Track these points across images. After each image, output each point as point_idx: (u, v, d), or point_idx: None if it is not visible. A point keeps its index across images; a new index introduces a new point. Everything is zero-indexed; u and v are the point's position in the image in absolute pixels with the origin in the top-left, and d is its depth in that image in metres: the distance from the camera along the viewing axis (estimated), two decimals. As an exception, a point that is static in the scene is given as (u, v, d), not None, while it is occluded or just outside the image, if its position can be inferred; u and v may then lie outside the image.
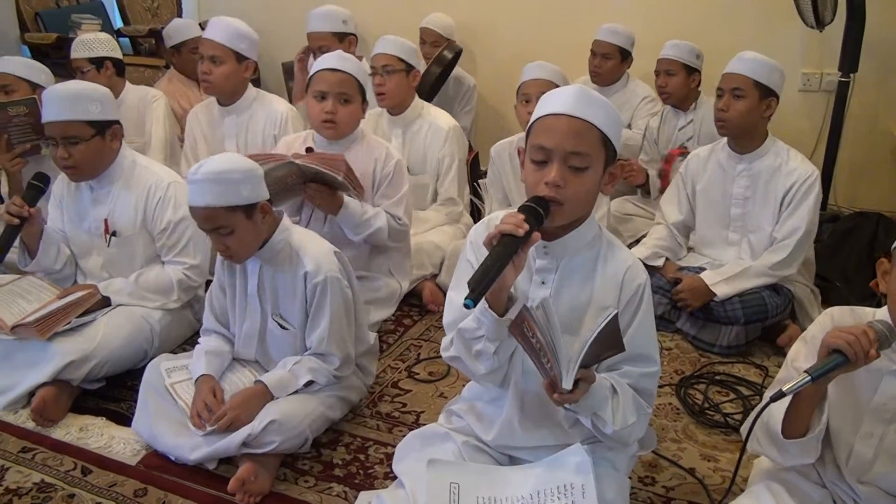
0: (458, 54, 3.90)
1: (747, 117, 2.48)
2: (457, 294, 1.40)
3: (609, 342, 1.31)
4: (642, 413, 1.48)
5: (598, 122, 1.39)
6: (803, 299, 2.58)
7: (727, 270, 2.53)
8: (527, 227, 1.31)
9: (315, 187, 2.35)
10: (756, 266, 2.50)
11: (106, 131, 2.22)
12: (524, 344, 1.35)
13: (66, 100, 2.14)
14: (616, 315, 1.28)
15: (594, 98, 1.41)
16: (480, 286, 1.27)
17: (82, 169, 2.22)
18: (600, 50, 3.62)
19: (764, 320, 2.48)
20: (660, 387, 1.57)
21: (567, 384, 1.30)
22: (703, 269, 2.61)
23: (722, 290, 2.47)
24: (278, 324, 1.97)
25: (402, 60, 2.95)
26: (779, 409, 1.37)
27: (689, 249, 2.80)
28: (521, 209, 1.35)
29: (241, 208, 1.80)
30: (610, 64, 3.62)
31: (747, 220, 2.59)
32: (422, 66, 3.59)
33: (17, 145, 2.62)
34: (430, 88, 3.76)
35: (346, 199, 2.43)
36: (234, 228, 1.80)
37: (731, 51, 3.38)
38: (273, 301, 1.97)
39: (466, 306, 1.27)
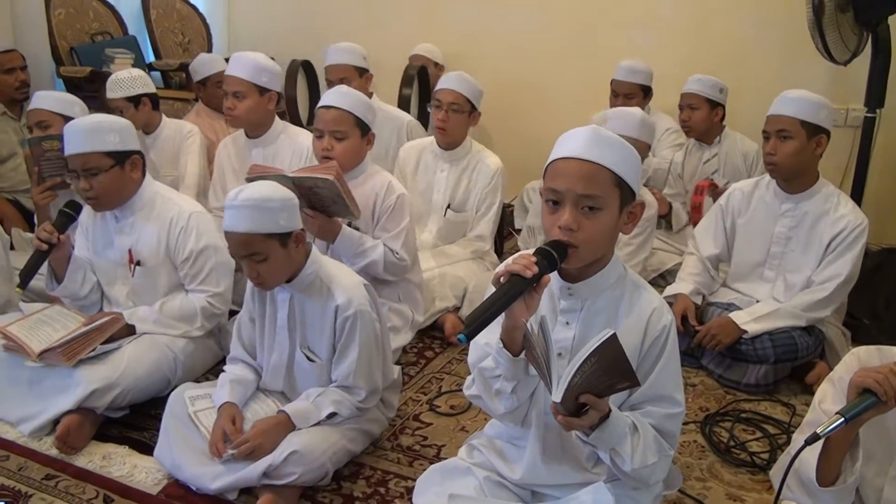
0: (422, 69, 4.04)
1: (796, 158, 2.40)
2: (481, 333, 1.40)
3: (616, 368, 1.29)
4: (664, 454, 1.46)
5: (610, 164, 1.39)
6: (834, 340, 2.54)
7: (758, 310, 2.49)
8: (536, 269, 1.31)
9: (312, 213, 2.37)
10: (789, 307, 2.46)
11: (125, 161, 2.24)
12: (536, 367, 1.35)
13: (84, 132, 2.19)
14: (614, 335, 1.25)
15: (606, 139, 1.41)
16: (477, 322, 1.28)
17: (103, 199, 2.25)
18: (622, 90, 3.66)
19: (794, 360, 2.44)
20: (684, 424, 1.55)
21: (556, 396, 1.28)
22: (732, 304, 2.58)
23: (752, 328, 2.44)
24: (306, 356, 1.97)
25: (469, 101, 2.98)
26: (811, 455, 1.35)
27: (721, 284, 2.76)
28: (536, 251, 1.36)
29: (276, 236, 1.81)
30: (633, 103, 3.65)
31: (786, 259, 2.54)
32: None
33: (47, 179, 2.66)
34: (419, 111, 3.83)
35: (344, 227, 2.45)
36: (268, 256, 1.82)
37: (756, 85, 3.40)
38: (302, 333, 1.98)
39: (459, 340, 1.28)
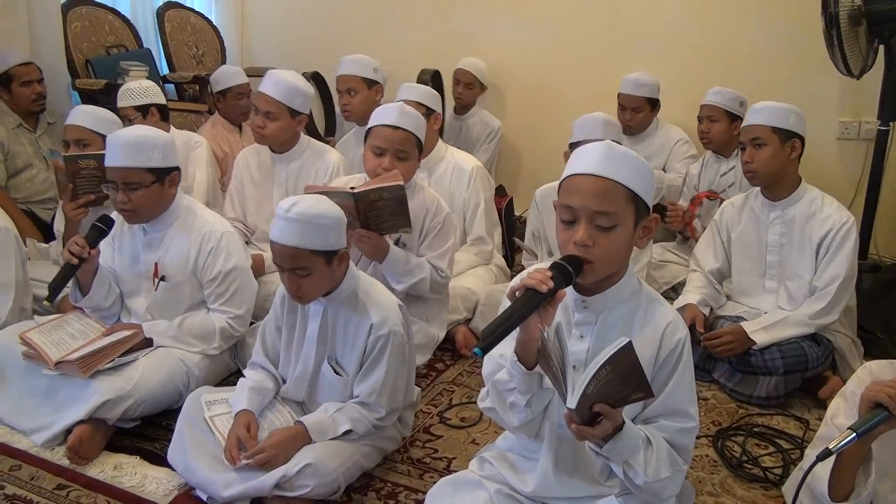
0: (435, 75, 4.07)
1: (773, 164, 2.48)
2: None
3: (630, 377, 1.29)
4: (677, 469, 1.46)
5: (624, 180, 1.39)
6: (844, 350, 2.52)
7: (766, 319, 2.49)
8: (551, 284, 1.32)
9: (362, 232, 2.37)
10: (796, 315, 2.47)
11: (165, 178, 2.26)
12: (550, 376, 1.36)
13: (128, 146, 2.19)
14: (629, 343, 1.26)
15: (620, 155, 1.41)
16: (492, 336, 1.29)
17: (139, 213, 2.27)
18: (629, 104, 3.67)
19: (804, 371, 2.43)
20: (696, 438, 1.54)
21: (571, 402, 1.28)
22: (740, 317, 2.57)
23: (761, 338, 2.43)
24: (333, 369, 1.97)
25: (422, 105, 2.99)
26: (823, 470, 1.34)
27: (727, 297, 2.76)
28: (552, 266, 1.36)
29: (323, 253, 1.82)
30: (640, 116, 3.67)
31: (784, 267, 2.56)
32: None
33: (81, 196, 2.67)
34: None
35: (392, 247, 2.45)
36: (312, 271, 1.83)
37: (765, 98, 3.38)
38: (332, 346, 1.98)
39: (475, 354, 1.29)
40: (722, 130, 3.36)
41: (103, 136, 2.73)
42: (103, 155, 2.55)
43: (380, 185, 2.27)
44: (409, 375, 2.07)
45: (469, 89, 4.31)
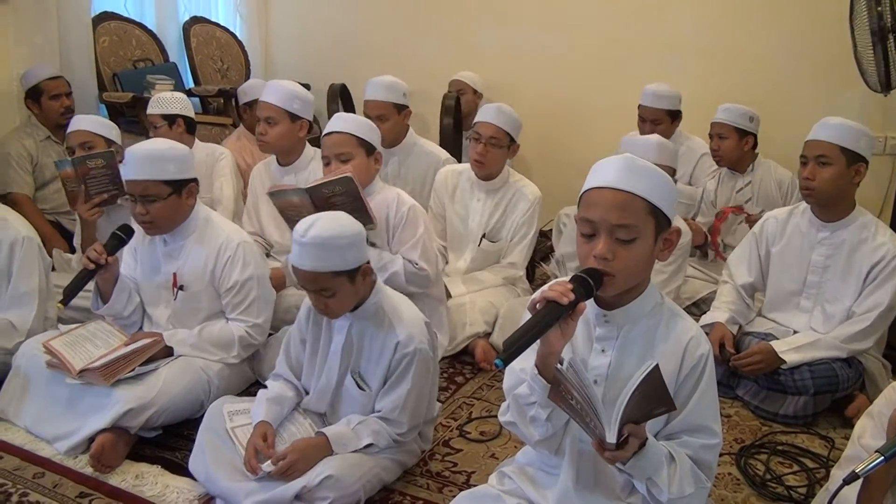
0: (458, 97, 4.10)
1: (834, 185, 2.37)
2: (516, 359, 1.40)
3: (655, 396, 1.28)
4: (701, 486, 1.44)
5: (643, 192, 1.39)
6: (874, 372, 2.48)
7: (797, 340, 2.44)
8: (572, 296, 1.31)
9: None
10: (829, 338, 2.42)
11: (182, 190, 2.29)
12: (566, 408, 1.35)
13: (145, 160, 2.23)
14: (657, 366, 1.25)
15: (639, 168, 1.41)
16: (513, 348, 1.28)
17: (158, 224, 2.30)
18: (649, 116, 3.64)
19: (834, 392, 2.39)
20: (719, 455, 1.52)
21: (611, 438, 1.28)
22: (769, 334, 2.53)
23: (791, 358, 2.39)
24: (356, 383, 1.97)
25: (508, 135, 2.99)
26: (851, 493, 1.31)
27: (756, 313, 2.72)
28: (572, 279, 1.36)
29: (345, 273, 1.83)
30: (661, 128, 3.65)
31: (823, 289, 2.50)
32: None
33: (94, 196, 2.75)
34: (453, 141, 3.85)
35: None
36: (337, 291, 1.84)
37: (789, 112, 3.37)
38: (356, 361, 1.98)
39: (496, 366, 1.29)
40: (732, 147, 3.33)
41: (105, 138, 2.85)
42: (110, 153, 2.65)
43: (329, 178, 2.29)
44: (432, 392, 2.07)
45: (462, 95, 4.30)
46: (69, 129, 2.92)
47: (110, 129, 2.93)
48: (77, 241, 2.92)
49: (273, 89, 2.99)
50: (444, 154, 3.59)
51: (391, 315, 1.95)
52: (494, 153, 2.98)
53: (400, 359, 1.91)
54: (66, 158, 2.80)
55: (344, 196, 2.31)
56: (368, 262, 1.91)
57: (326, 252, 1.80)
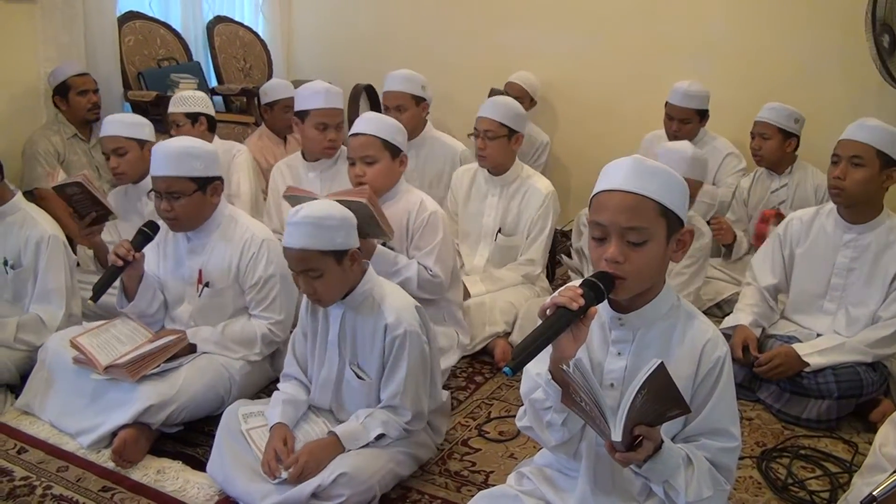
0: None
1: (865, 187, 2.33)
2: (532, 364, 1.40)
3: (666, 396, 1.27)
4: (720, 489, 1.42)
5: (654, 194, 1.37)
6: (898, 376, 2.44)
7: (821, 343, 2.41)
8: (582, 301, 1.30)
9: None
10: (853, 342, 2.38)
11: (207, 187, 2.31)
12: (577, 410, 1.35)
13: (171, 156, 2.26)
14: (661, 364, 1.24)
15: (649, 169, 1.39)
16: (523, 355, 1.28)
17: (182, 221, 2.32)
18: (677, 115, 3.61)
19: (858, 396, 2.35)
20: (740, 458, 1.50)
21: (616, 435, 1.27)
22: (792, 337, 2.50)
23: (815, 361, 2.36)
24: (356, 373, 1.99)
25: (504, 126, 2.98)
26: None
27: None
28: (583, 283, 1.35)
29: (332, 253, 1.85)
30: (689, 127, 3.61)
31: (847, 291, 2.46)
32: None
33: (85, 216, 2.71)
34: None
35: (380, 247, 2.49)
36: (324, 272, 1.86)
37: (816, 114, 3.31)
38: (352, 350, 2.00)
39: (505, 373, 1.28)
40: (774, 148, 3.28)
41: (136, 140, 2.84)
42: (78, 182, 2.59)
43: (346, 198, 2.29)
44: (434, 377, 2.07)
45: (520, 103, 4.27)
46: (102, 132, 2.92)
47: (142, 128, 2.91)
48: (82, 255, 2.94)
49: (336, 97, 3.05)
50: (460, 146, 3.60)
51: (380, 300, 1.97)
52: (493, 145, 2.98)
53: (391, 342, 1.93)
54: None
55: (358, 213, 2.33)
56: (358, 249, 1.93)
57: (315, 230, 1.83)
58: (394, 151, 2.57)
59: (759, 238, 3.09)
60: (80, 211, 2.70)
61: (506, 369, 1.27)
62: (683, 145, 2.87)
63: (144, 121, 2.96)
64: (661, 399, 1.27)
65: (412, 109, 3.41)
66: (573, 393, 1.30)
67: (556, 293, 1.36)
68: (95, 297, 2.25)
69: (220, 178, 2.36)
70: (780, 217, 3.06)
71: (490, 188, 3.10)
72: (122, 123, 2.89)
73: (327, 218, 1.85)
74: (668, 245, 1.41)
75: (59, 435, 2.21)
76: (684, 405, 1.29)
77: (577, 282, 1.37)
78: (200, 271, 2.38)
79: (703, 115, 3.62)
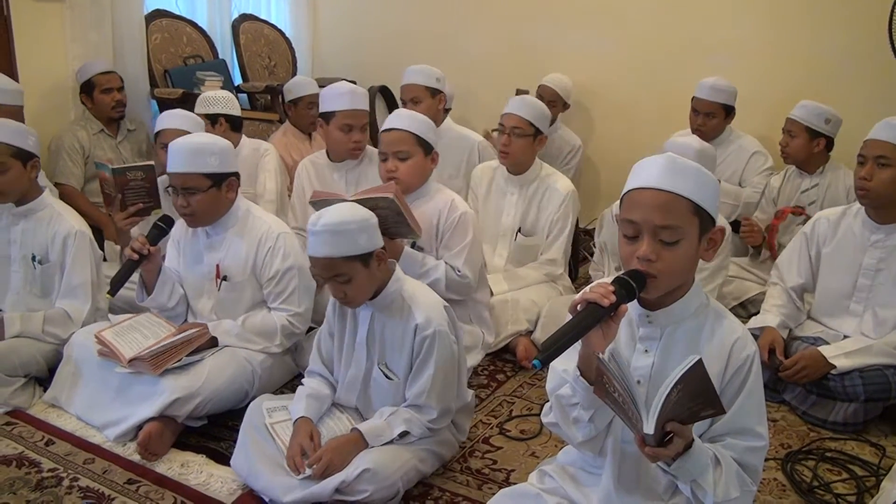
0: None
1: (892, 187, 2.31)
2: (558, 361, 1.39)
3: (701, 394, 1.26)
4: (746, 490, 1.41)
5: (687, 192, 1.36)
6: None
7: (848, 345, 2.38)
8: (613, 298, 1.30)
9: None
10: (881, 344, 2.34)
11: (222, 183, 2.34)
12: (610, 402, 1.34)
13: (187, 153, 2.29)
14: (700, 360, 1.23)
15: (682, 167, 1.38)
16: (552, 349, 1.28)
17: (199, 216, 2.35)
18: (703, 108, 3.57)
19: (886, 399, 2.31)
20: (764, 460, 1.49)
21: (648, 428, 1.26)
22: (819, 338, 2.47)
23: (842, 363, 2.33)
24: (384, 373, 2.00)
25: (532, 125, 2.98)
26: None
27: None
28: (615, 280, 1.34)
29: (358, 257, 1.86)
30: (714, 122, 3.57)
31: (875, 292, 2.42)
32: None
33: (130, 206, 2.73)
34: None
35: (407, 248, 2.49)
36: (352, 276, 1.86)
37: (844, 114, 3.24)
38: (381, 350, 2.00)
39: (534, 366, 1.28)
40: (799, 146, 3.22)
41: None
42: (150, 166, 2.65)
43: (373, 195, 2.29)
44: (460, 376, 2.07)
45: (551, 107, 4.24)
46: (160, 125, 2.97)
47: (198, 126, 2.97)
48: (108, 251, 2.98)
49: (360, 97, 3.06)
50: (477, 137, 3.59)
51: (409, 300, 1.97)
52: (518, 143, 2.97)
53: (421, 342, 1.93)
54: (103, 163, 2.82)
55: (386, 210, 2.33)
56: (383, 248, 1.93)
57: (337, 238, 1.83)
58: (426, 148, 2.58)
59: (771, 233, 3.10)
60: (129, 199, 2.72)
61: (535, 362, 1.27)
62: (691, 138, 2.84)
63: (200, 120, 3.05)
64: (696, 396, 1.26)
65: (427, 101, 3.43)
66: (607, 383, 1.30)
67: (587, 289, 1.35)
68: (113, 291, 2.28)
69: (235, 174, 2.38)
70: (798, 215, 3.04)
71: (509, 187, 3.09)
72: (181, 117, 2.98)
73: (347, 223, 1.85)
74: (700, 244, 1.40)
75: (85, 427, 2.25)
76: (719, 406, 1.28)
77: (608, 278, 1.36)
78: (217, 266, 2.40)
79: (728, 110, 3.58)
